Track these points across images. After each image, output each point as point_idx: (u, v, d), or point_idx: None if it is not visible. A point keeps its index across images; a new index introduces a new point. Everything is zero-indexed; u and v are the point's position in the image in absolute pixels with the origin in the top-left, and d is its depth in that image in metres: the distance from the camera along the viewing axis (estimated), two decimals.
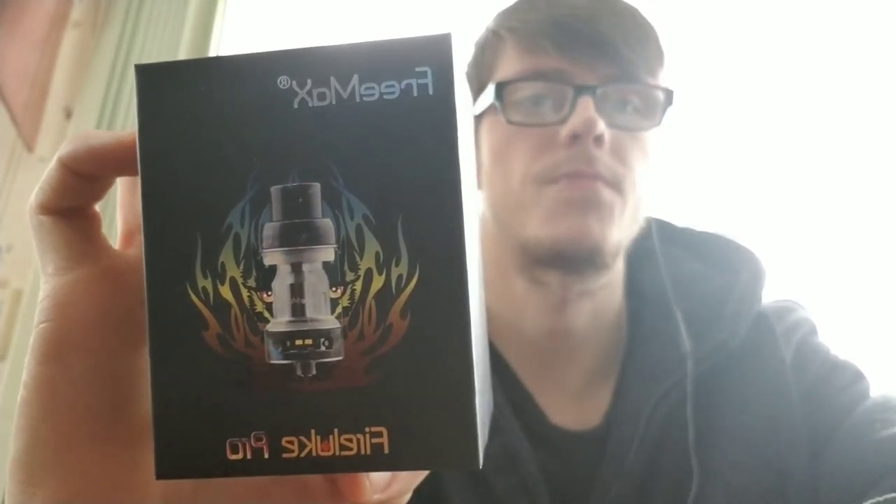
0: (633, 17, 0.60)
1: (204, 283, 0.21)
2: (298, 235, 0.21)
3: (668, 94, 0.59)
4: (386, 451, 0.21)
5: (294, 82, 0.21)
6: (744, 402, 0.57)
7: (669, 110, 0.59)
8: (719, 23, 1.37)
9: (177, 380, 0.21)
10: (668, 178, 0.68)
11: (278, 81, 0.21)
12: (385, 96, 0.21)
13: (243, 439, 0.21)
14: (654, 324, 0.62)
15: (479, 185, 0.62)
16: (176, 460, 0.21)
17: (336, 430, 0.21)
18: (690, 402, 0.56)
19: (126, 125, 1.45)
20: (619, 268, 0.62)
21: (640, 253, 0.64)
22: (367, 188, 0.21)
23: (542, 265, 0.58)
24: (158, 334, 0.21)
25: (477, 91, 0.61)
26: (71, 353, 0.24)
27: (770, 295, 0.63)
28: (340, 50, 0.21)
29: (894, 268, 1.20)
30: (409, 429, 0.21)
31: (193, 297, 0.21)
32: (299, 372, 0.21)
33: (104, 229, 0.26)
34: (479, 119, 0.61)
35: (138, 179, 0.22)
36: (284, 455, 0.21)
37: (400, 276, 0.21)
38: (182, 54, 1.48)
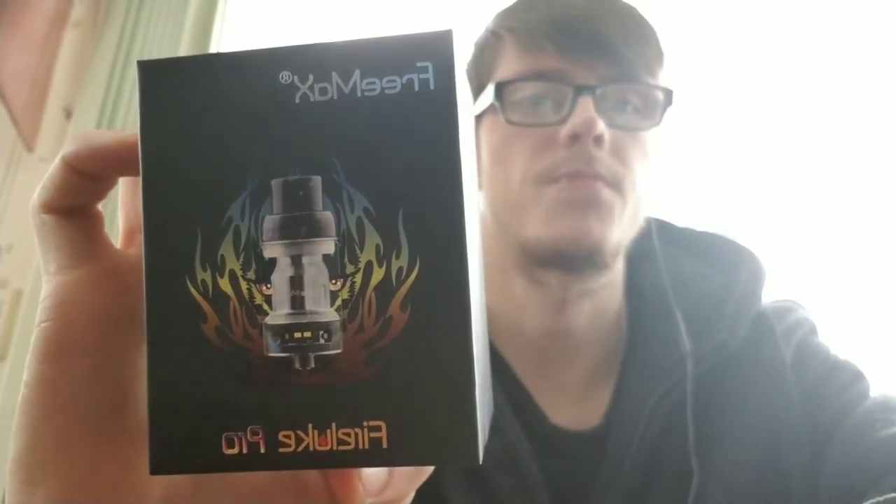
0: (633, 16, 0.60)
1: (203, 275, 0.21)
2: (298, 228, 0.21)
3: (668, 94, 0.59)
4: (384, 445, 0.20)
5: (296, 77, 0.21)
6: (744, 402, 0.57)
7: (669, 110, 0.59)
8: (719, 22, 1.37)
9: (174, 373, 0.21)
10: (668, 178, 0.68)
11: (280, 77, 0.21)
12: (386, 91, 0.21)
13: (239, 433, 0.21)
14: (654, 324, 0.62)
15: (479, 186, 0.62)
16: (171, 455, 0.21)
17: (334, 425, 0.21)
18: (690, 402, 0.56)
19: (126, 125, 1.45)
20: (619, 268, 0.62)
21: (640, 253, 0.64)
22: (368, 181, 0.21)
23: (542, 265, 0.58)
24: (156, 327, 0.21)
25: (476, 91, 0.61)
26: (72, 353, 0.23)
27: (770, 295, 0.63)
28: (342, 45, 0.21)
29: (894, 268, 1.20)
30: (408, 423, 0.20)
31: (192, 289, 0.21)
32: (298, 365, 0.21)
33: (106, 228, 0.26)
34: (478, 119, 0.61)
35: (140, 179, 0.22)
36: (281, 450, 0.21)
37: (400, 269, 0.21)
38: (182, 54, 1.48)
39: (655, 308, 0.63)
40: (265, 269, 0.21)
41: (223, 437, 0.21)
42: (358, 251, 0.21)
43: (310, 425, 0.21)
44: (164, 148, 0.22)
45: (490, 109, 0.59)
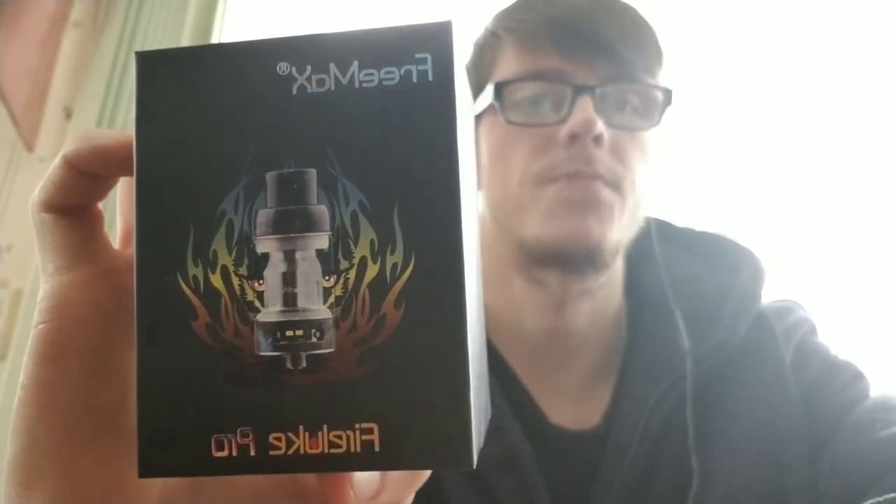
0: (632, 16, 0.60)
1: (195, 271, 0.21)
2: (292, 222, 0.21)
3: (667, 94, 0.59)
4: (377, 448, 0.20)
5: (293, 68, 0.21)
6: (743, 402, 0.57)
7: (668, 110, 0.59)
8: (718, 22, 1.37)
9: (163, 372, 0.21)
10: (668, 178, 0.68)
11: (278, 68, 0.21)
12: (384, 82, 0.21)
13: (229, 436, 0.20)
14: (653, 323, 0.62)
15: (479, 186, 0.62)
16: (159, 458, 0.21)
17: (325, 427, 0.20)
18: (690, 402, 0.56)
19: (126, 125, 1.45)
20: (618, 267, 0.62)
21: (640, 253, 0.64)
22: (364, 174, 0.21)
23: (541, 265, 0.58)
24: (146, 324, 0.21)
25: (476, 91, 0.61)
26: (69, 355, 0.23)
27: (770, 295, 0.63)
28: (340, 36, 0.21)
29: (894, 268, 1.20)
30: (400, 425, 0.20)
31: (183, 285, 0.21)
32: (289, 364, 0.20)
33: (105, 228, 0.26)
34: (478, 119, 0.61)
35: None
36: (272, 452, 0.20)
37: (395, 265, 0.20)
38: None
39: (655, 308, 0.62)
40: (258, 265, 0.21)
41: (213, 439, 0.20)
42: (352, 246, 0.20)
43: (301, 427, 0.20)
44: (159, 139, 0.21)
45: (489, 109, 0.59)
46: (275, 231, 0.21)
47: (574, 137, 0.55)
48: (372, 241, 0.20)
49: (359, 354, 0.20)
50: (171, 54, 0.22)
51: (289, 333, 0.20)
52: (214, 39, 1.54)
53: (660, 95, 0.59)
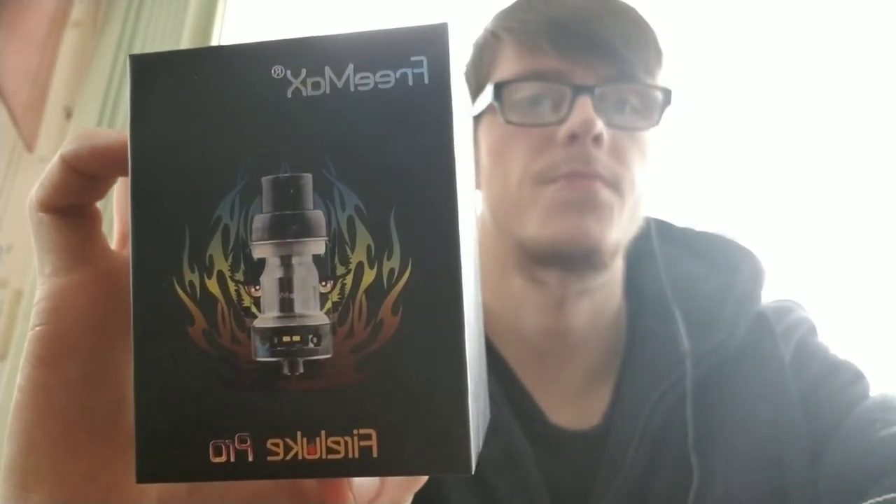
0: (631, 16, 0.60)
1: (191, 276, 0.21)
2: (288, 227, 0.21)
3: (667, 94, 0.59)
4: (375, 454, 0.20)
5: (288, 71, 0.21)
6: (743, 402, 0.57)
7: (668, 110, 0.59)
8: (718, 22, 1.37)
9: (160, 377, 0.21)
10: (668, 178, 0.68)
11: (272, 71, 0.21)
12: (380, 85, 0.21)
13: (227, 441, 0.20)
14: (653, 323, 0.62)
15: (478, 186, 0.62)
16: (157, 463, 0.20)
17: (323, 433, 0.20)
18: (690, 402, 0.56)
19: (126, 125, 1.45)
20: (617, 267, 0.62)
21: (640, 253, 0.64)
22: (360, 179, 0.20)
23: (540, 264, 0.58)
24: (143, 329, 0.21)
25: (475, 92, 0.61)
26: (66, 358, 0.23)
27: (769, 295, 0.63)
28: (336, 39, 0.21)
29: (894, 268, 1.20)
30: (398, 431, 0.20)
31: (179, 291, 0.21)
32: (286, 370, 0.20)
33: (102, 229, 0.26)
34: (477, 119, 0.61)
35: None
36: (269, 458, 0.20)
37: (392, 270, 0.20)
38: None
39: (655, 308, 0.63)
40: (254, 270, 0.21)
41: (210, 444, 0.20)
42: (349, 252, 0.20)
43: (298, 433, 0.20)
44: (154, 142, 0.21)
45: (489, 110, 0.59)
46: (271, 236, 0.21)
47: (573, 137, 0.55)
48: (369, 247, 0.20)
49: (356, 360, 0.20)
50: (166, 57, 0.22)
51: (286, 339, 0.20)
52: (214, 40, 1.54)
53: (659, 95, 0.59)
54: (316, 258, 0.21)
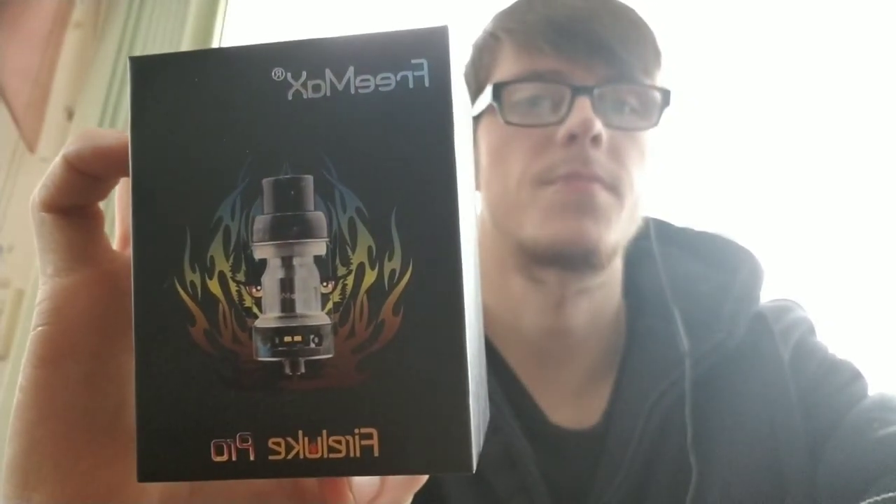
0: (630, 17, 0.60)
1: (192, 276, 0.21)
2: (289, 228, 0.21)
3: (665, 95, 0.59)
4: (376, 453, 0.20)
5: (289, 74, 0.21)
6: (742, 402, 0.58)
7: (666, 110, 0.59)
8: (717, 22, 1.37)
9: (161, 377, 0.21)
10: (667, 179, 0.68)
11: (273, 73, 0.21)
12: (381, 88, 0.21)
13: (228, 440, 0.20)
14: (652, 323, 0.62)
15: (477, 186, 0.62)
16: (159, 463, 0.21)
17: (325, 432, 0.20)
18: (688, 402, 0.56)
19: (128, 126, 1.45)
20: (616, 267, 0.62)
21: (639, 252, 0.65)
22: (361, 181, 0.20)
23: (539, 264, 0.59)
24: (144, 329, 0.21)
25: (475, 93, 0.62)
26: (68, 358, 0.23)
27: (768, 295, 0.63)
28: (336, 42, 0.21)
29: (893, 268, 1.20)
30: (400, 430, 0.20)
31: (181, 291, 0.21)
32: (288, 370, 0.20)
33: (104, 229, 0.26)
34: (477, 120, 0.61)
35: None
36: (271, 457, 0.20)
37: (393, 271, 0.20)
38: None
39: (654, 308, 0.63)
40: (255, 271, 0.21)
41: (212, 443, 0.20)
42: (350, 253, 0.20)
43: (300, 432, 0.20)
44: (154, 144, 0.21)
45: (488, 110, 0.59)
46: (272, 237, 0.21)
47: (572, 137, 0.55)
48: (370, 248, 0.20)
49: (357, 360, 0.20)
50: (166, 59, 0.22)
51: (287, 339, 0.20)
52: (215, 41, 1.54)
53: (658, 96, 0.59)
54: (317, 259, 0.21)
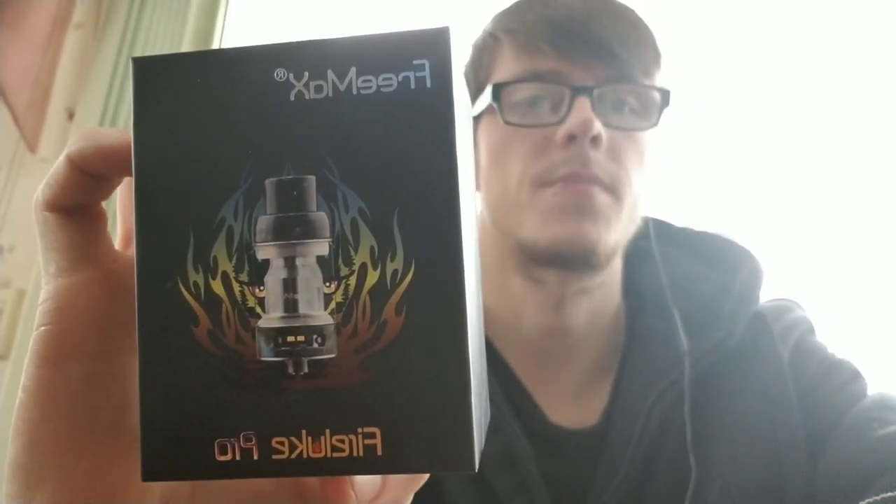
0: (629, 17, 0.60)
1: (195, 277, 0.21)
2: (292, 229, 0.21)
3: (665, 95, 0.59)
4: (379, 452, 0.20)
5: (291, 75, 0.21)
6: (741, 401, 0.58)
7: (666, 111, 0.59)
8: (716, 23, 1.37)
9: (165, 377, 0.21)
10: (666, 179, 0.68)
11: (275, 74, 0.21)
12: (382, 89, 0.21)
13: (232, 440, 0.20)
14: (651, 323, 0.62)
15: (477, 186, 0.62)
16: (163, 462, 0.21)
17: (328, 431, 0.20)
18: (688, 401, 0.56)
19: (128, 126, 1.45)
20: (616, 267, 0.62)
21: (638, 252, 0.65)
22: (363, 181, 0.21)
23: (538, 264, 0.59)
24: (147, 330, 0.21)
25: (475, 93, 0.62)
26: (70, 358, 0.23)
27: (768, 294, 0.63)
28: (338, 43, 0.21)
29: (893, 268, 1.20)
30: (402, 430, 0.20)
31: (184, 291, 0.21)
32: (291, 370, 0.20)
33: (108, 228, 0.26)
34: (477, 121, 0.61)
35: None
36: (274, 456, 0.20)
37: (395, 272, 0.20)
38: None
39: (653, 307, 0.63)
40: (258, 271, 0.21)
41: (216, 443, 0.20)
42: (352, 253, 0.21)
43: (303, 431, 0.20)
44: (157, 145, 0.21)
45: (488, 111, 0.59)
46: (275, 238, 0.21)
47: (572, 138, 0.55)
48: (372, 248, 0.20)
49: (360, 360, 0.20)
50: (168, 60, 0.22)
51: (290, 339, 0.21)
52: (216, 42, 1.54)
53: (657, 96, 0.59)
54: (320, 259, 0.21)
